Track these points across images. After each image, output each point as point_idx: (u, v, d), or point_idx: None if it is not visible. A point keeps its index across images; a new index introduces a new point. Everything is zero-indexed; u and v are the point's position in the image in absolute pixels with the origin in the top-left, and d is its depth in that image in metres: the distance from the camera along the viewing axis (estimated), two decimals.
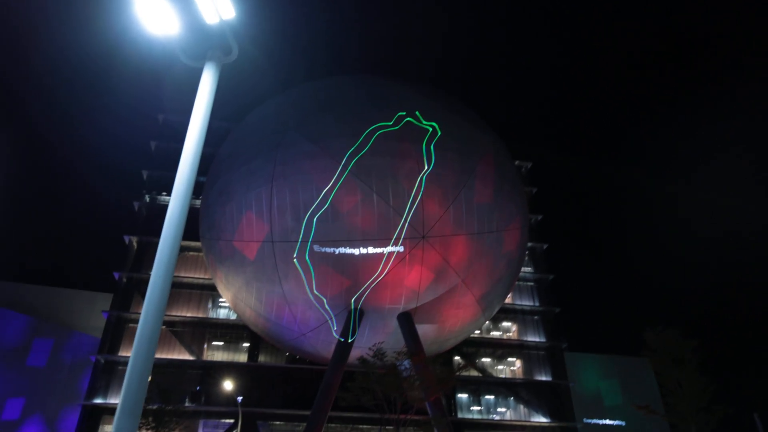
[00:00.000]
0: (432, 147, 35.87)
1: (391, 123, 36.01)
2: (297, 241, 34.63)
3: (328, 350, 38.89)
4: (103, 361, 47.02)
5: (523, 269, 55.04)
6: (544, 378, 54.26)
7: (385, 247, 34.76)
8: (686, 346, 33.39)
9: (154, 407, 35.67)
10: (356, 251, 34.81)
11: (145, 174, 56.28)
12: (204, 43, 8.41)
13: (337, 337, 37.82)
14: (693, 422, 31.69)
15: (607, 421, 57.72)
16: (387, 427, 41.92)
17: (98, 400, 45.54)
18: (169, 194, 39.69)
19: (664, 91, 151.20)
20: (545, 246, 60.34)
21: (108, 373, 46.95)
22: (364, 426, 46.50)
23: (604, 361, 61.26)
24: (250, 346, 49.99)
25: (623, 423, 57.77)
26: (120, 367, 47.00)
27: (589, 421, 56.37)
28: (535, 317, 57.39)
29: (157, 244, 7.54)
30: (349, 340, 37.15)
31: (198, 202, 42.46)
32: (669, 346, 33.84)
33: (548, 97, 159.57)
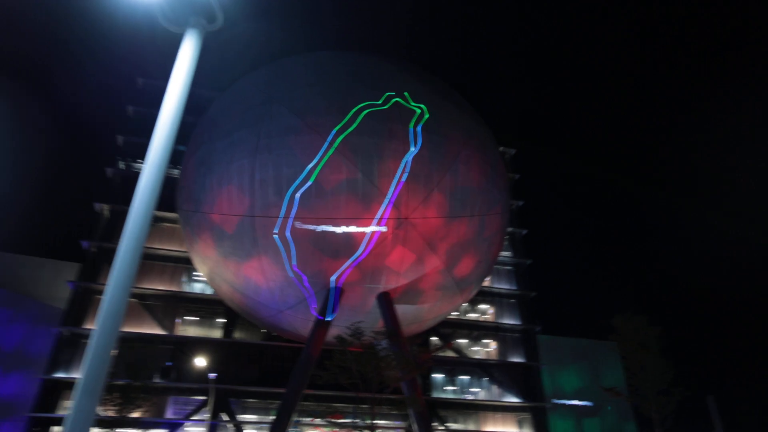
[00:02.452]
0: (419, 129, 35.49)
1: (379, 102, 35.36)
2: (278, 217, 33.83)
3: (305, 328, 38.49)
4: (66, 333, 45.56)
5: (502, 253, 55.45)
6: (517, 360, 55.18)
7: (368, 226, 34.33)
8: (651, 332, 34.88)
9: (121, 383, 34.50)
10: (338, 229, 34.27)
11: (120, 139, 54.15)
12: (187, 8, 8.01)
13: (315, 315, 37.39)
14: (653, 404, 33.06)
15: (576, 402, 59.26)
16: (362, 406, 42.04)
17: (60, 374, 44.16)
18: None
19: (648, 84, 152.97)
20: (524, 231, 60.91)
21: (71, 347, 45.47)
22: (339, 404, 46.52)
23: (574, 344, 62.65)
24: (225, 322, 49.14)
25: (591, 404, 59.41)
26: (84, 341, 45.50)
27: (558, 401, 57.76)
28: (512, 300, 58.08)
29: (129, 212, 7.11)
30: (328, 319, 36.77)
31: (176, 171, 41.02)
32: (635, 332, 35.26)
33: (534, 85, 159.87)
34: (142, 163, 52.66)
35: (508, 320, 56.94)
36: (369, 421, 33.51)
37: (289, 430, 35.65)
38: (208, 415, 43.38)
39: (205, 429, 44.07)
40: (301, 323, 39.14)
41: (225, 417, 45.47)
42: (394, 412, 45.56)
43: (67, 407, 42.65)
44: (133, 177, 50.88)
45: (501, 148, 59.24)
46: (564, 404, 58.72)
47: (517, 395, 53.70)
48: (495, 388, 53.93)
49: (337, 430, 45.48)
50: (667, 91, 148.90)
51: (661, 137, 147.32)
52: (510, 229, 57.34)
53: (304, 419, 45.61)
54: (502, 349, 55.64)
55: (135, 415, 36.85)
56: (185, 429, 45.21)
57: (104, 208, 50.92)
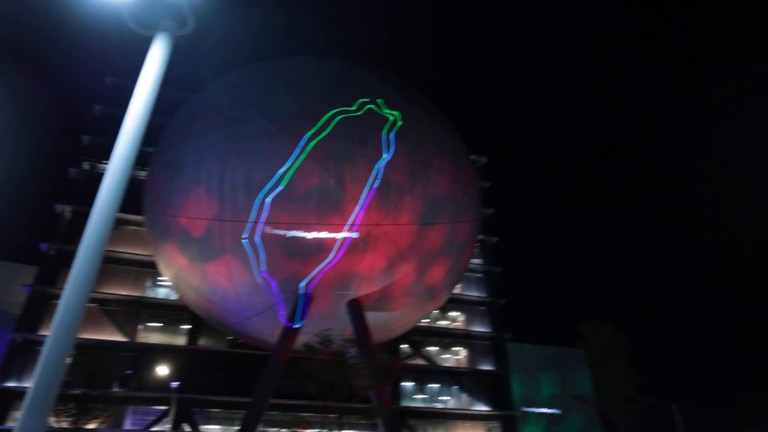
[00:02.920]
0: (392, 136, 35.46)
1: (353, 108, 35.18)
2: (247, 222, 33.10)
3: (273, 335, 37.67)
4: (20, 339, 43.52)
5: (473, 261, 55.66)
6: (487, 367, 55.34)
7: (339, 232, 33.94)
8: (617, 340, 35.35)
9: (77, 392, 32.82)
10: (309, 235, 33.78)
11: (86, 139, 52.35)
12: (158, 11, 7.81)
13: (283, 321, 36.65)
14: (619, 411, 33.50)
15: (544, 410, 59.71)
16: (330, 416, 41.38)
17: (11, 383, 42.06)
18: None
19: (622, 95, 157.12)
20: (495, 239, 61.40)
21: (24, 354, 43.41)
22: (306, 414, 45.67)
23: (544, 351, 63.21)
24: (190, 329, 47.77)
25: (560, 411, 59.95)
26: (38, 348, 43.46)
27: (527, 409, 58.08)
28: (482, 308, 58.32)
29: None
30: (296, 326, 36.09)
31: (143, 173, 39.82)
32: (602, 340, 35.69)
33: (508, 94, 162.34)
34: (107, 163, 50.99)
35: (479, 328, 57.14)
36: (337, 431, 32.92)
37: None
38: (170, 426, 41.93)
39: None
40: (269, 330, 38.31)
41: (187, 428, 44.06)
42: (363, 422, 45.05)
43: (17, 419, 40.62)
44: (98, 178, 49.17)
45: (473, 157, 59.69)
46: (533, 412, 59.10)
47: (487, 403, 53.80)
48: (465, 397, 53.92)
49: None
50: (641, 96, 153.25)
51: (633, 146, 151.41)
52: (481, 237, 57.66)
53: (270, 429, 44.60)
54: (472, 357, 55.76)
55: (91, 426, 35.14)
56: None
57: (66, 210, 49.06)
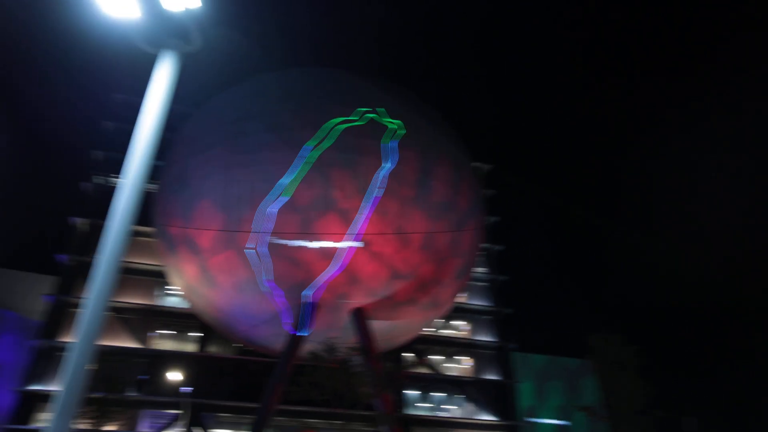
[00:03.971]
0: (393, 144, 36.15)
1: (354, 118, 36.04)
2: (252, 232, 34.22)
3: (279, 343, 38.63)
4: (42, 346, 45.12)
5: (477, 269, 56.10)
6: (492, 377, 55.55)
7: (341, 241, 34.80)
8: (627, 352, 34.91)
9: (97, 396, 34.43)
10: (312, 245, 34.69)
11: (97, 154, 54.17)
12: (165, 30, 8.15)
13: (288, 330, 37.61)
14: (629, 424, 33.12)
15: (551, 421, 59.59)
16: (335, 422, 42.14)
17: (35, 387, 43.66)
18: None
19: (626, 103, 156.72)
20: (500, 248, 61.68)
21: (46, 359, 45.04)
22: (312, 420, 46.42)
23: (550, 362, 63.11)
24: (200, 336, 49.00)
25: (568, 423, 59.77)
26: (58, 353, 45.12)
27: (533, 420, 58.06)
28: (487, 317, 58.61)
29: (106, 227, 7.41)
30: (301, 334, 37.01)
31: (153, 186, 41.27)
32: (611, 351, 35.31)
33: (512, 99, 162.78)
34: (118, 177, 52.70)
35: (483, 337, 57.38)
36: None
37: None
38: (182, 429, 43.05)
39: None
40: (275, 338, 39.28)
41: (199, 431, 45.16)
42: (367, 428, 45.57)
43: (42, 420, 42.12)
44: (109, 191, 50.90)
45: (476, 164, 60.22)
46: (540, 423, 59.05)
47: (492, 413, 53.95)
48: (470, 406, 54.15)
49: None
50: (651, 103, 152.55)
51: (641, 152, 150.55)
52: (485, 245, 58.09)
53: None
54: (477, 366, 55.98)
55: (110, 428, 36.64)
56: None
57: (80, 222, 50.78)
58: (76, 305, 46.70)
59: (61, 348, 44.95)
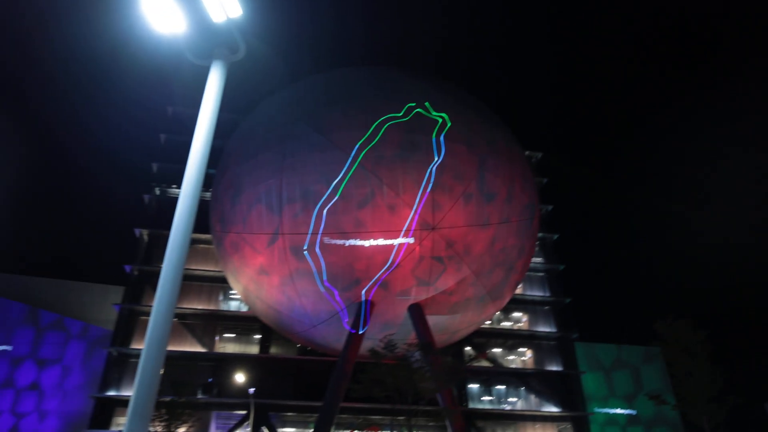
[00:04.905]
0: (442, 138, 35.62)
1: (400, 114, 35.76)
2: (307, 233, 34.59)
3: (339, 342, 38.99)
4: (115, 353, 47.50)
5: (534, 260, 54.78)
6: (554, 368, 54.20)
7: (395, 238, 34.65)
8: (696, 337, 33.28)
9: (167, 399, 36.00)
10: (366, 243, 34.72)
11: (155, 167, 56.42)
12: (211, 41, 8.40)
13: (347, 328, 37.88)
14: (704, 412, 31.61)
15: (618, 411, 57.59)
16: (398, 418, 42.10)
17: (111, 393, 46.05)
18: (179, 187, 39.83)
19: (677, 88, 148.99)
20: (556, 236, 60.05)
21: (120, 366, 47.42)
22: (376, 417, 46.72)
23: (614, 350, 60.97)
24: (261, 338, 50.24)
25: (634, 412, 57.63)
26: (131, 360, 47.46)
27: (600, 410, 56.27)
28: (546, 307, 57.22)
29: (167, 236, 7.58)
30: (360, 332, 37.19)
31: (208, 194, 42.51)
32: (679, 337, 33.75)
33: (560, 86, 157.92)
34: (176, 188, 54.71)
35: (543, 328, 56.04)
36: None
37: None
38: (250, 429, 44.29)
39: None
40: (335, 337, 39.68)
41: (266, 431, 46.32)
42: (431, 424, 45.44)
43: (119, 424, 44.45)
44: (169, 202, 52.97)
45: (527, 152, 58.77)
46: (606, 413, 57.17)
47: (556, 404, 52.66)
48: (533, 398, 53.03)
49: None
50: (699, 95, 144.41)
51: (697, 138, 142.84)
52: (541, 235, 56.62)
53: None
54: (539, 358, 54.75)
55: (181, 430, 38.18)
56: None
57: (143, 233, 53.02)
58: (144, 313, 48.91)
59: (132, 354, 47.23)
